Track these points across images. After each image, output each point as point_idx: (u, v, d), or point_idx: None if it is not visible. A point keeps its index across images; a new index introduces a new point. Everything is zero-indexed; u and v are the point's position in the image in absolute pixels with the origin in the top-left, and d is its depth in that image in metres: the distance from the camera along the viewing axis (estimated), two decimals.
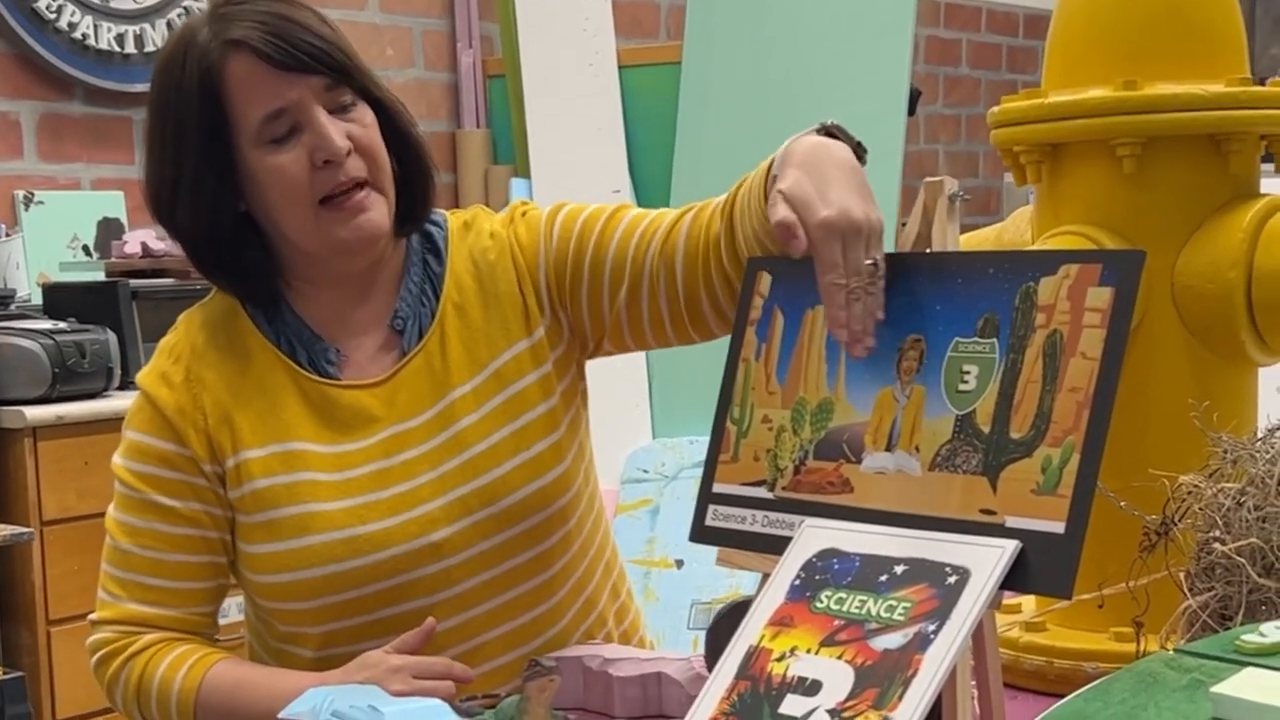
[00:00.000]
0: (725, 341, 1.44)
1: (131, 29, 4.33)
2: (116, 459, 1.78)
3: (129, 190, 4.26)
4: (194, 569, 1.76)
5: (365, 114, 1.72)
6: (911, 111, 4.39)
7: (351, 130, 1.70)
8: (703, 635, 1.43)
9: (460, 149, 5.03)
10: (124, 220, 4.26)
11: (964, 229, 1.46)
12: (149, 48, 4.35)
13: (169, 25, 4.37)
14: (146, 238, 3.92)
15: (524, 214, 1.84)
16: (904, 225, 1.42)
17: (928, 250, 1.37)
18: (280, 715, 1.52)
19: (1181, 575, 1.30)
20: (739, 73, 4.38)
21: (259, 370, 1.76)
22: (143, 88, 4.31)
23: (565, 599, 1.81)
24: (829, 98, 4.18)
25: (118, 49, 4.30)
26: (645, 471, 4.18)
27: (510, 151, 4.94)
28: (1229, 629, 1.22)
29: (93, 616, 1.78)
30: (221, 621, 1.83)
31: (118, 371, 3.58)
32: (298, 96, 1.67)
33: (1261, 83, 1.61)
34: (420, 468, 1.74)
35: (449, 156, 5.00)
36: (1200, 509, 1.29)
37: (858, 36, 4.25)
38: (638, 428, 4.31)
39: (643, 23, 5.73)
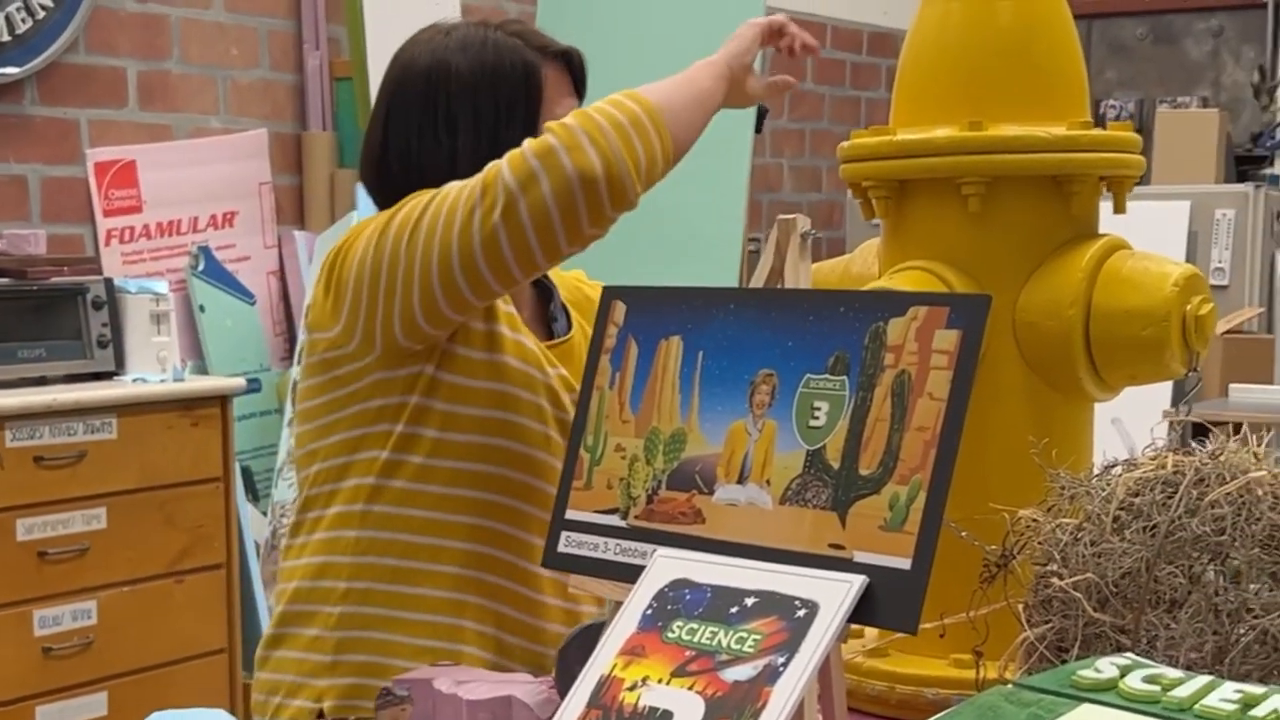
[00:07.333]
0: None
1: None
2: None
3: None
4: None
5: None
6: (759, 129, 4.43)
7: None
8: None
9: (306, 151, 4.98)
10: None
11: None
12: None
13: (8, 19, 4.28)
14: None
15: None
16: (753, 244, 1.46)
17: (780, 286, 1.40)
18: None
19: (1020, 607, 1.33)
20: (590, 83, 4.39)
21: None
22: None
23: None
24: None
25: None
26: None
27: (357, 155, 4.89)
28: (1065, 661, 1.26)
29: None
30: None
31: None
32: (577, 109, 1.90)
33: (1103, 125, 1.66)
34: None
35: (294, 159, 4.95)
36: (1039, 543, 1.33)
37: (707, 51, 4.27)
38: None
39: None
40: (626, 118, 1.72)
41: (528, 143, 1.72)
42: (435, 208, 1.76)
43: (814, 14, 6.88)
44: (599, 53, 4.41)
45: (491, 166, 1.73)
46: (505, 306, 1.90)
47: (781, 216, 1.37)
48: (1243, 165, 6.77)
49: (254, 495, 4.45)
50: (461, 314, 1.79)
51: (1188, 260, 5.39)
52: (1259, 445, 1.35)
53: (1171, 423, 1.45)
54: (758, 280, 1.40)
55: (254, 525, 4.30)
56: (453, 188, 1.77)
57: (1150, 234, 4.38)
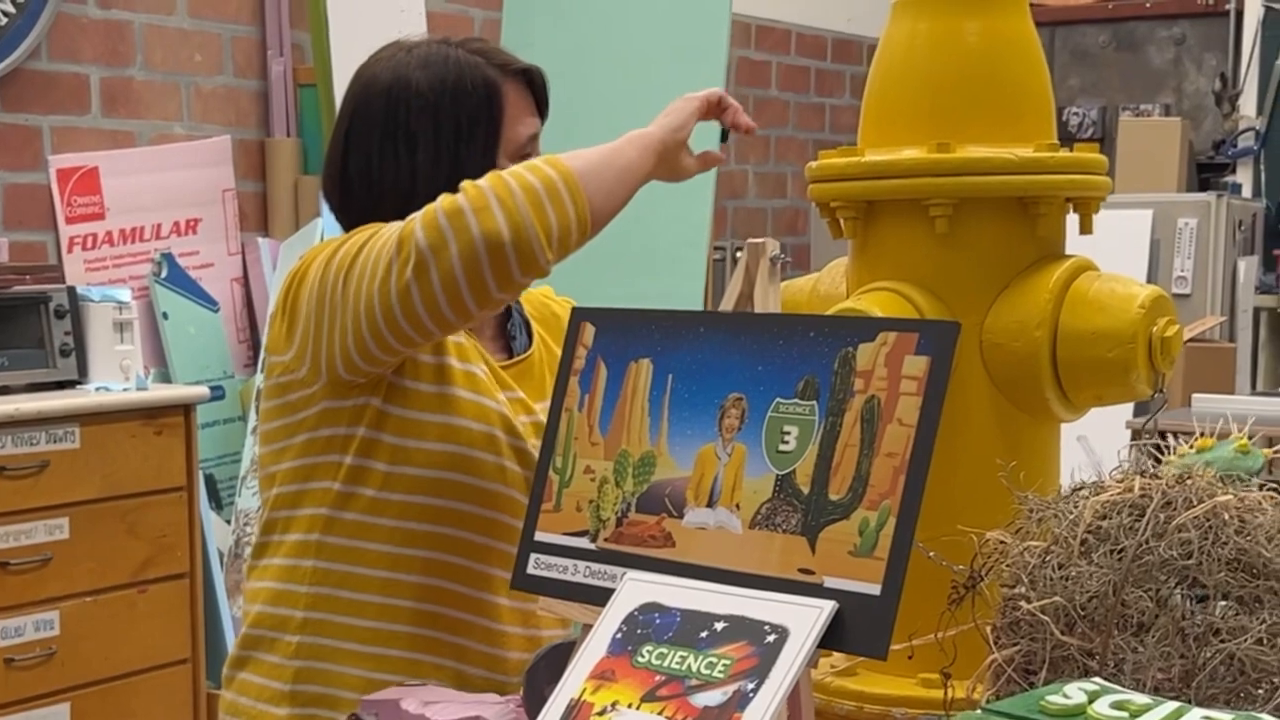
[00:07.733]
0: None
1: None
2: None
3: None
4: None
5: None
6: (724, 138, 4.43)
7: None
8: None
9: (270, 158, 4.97)
10: None
11: None
12: None
13: None
14: None
15: None
16: (718, 252, 1.46)
17: (750, 310, 1.40)
18: None
19: (988, 629, 1.34)
20: (555, 100, 4.39)
21: None
22: None
23: None
24: (645, 121, 4.21)
25: None
26: None
27: (320, 162, 4.87)
28: (1033, 684, 1.26)
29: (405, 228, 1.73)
30: None
31: None
32: (539, 128, 2.01)
33: (1068, 140, 1.67)
34: None
35: (258, 165, 4.94)
36: (1007, 566, 1.33)
37: (674, 59, 4.28)
38: None
39: (457, 35, 5.71)
40: (541, 183, 1.69)
41: (441, 200, 1.70)
42: (366, 253, 1.74)
43: (778, 20, 6.90)
44: (563, 59, 4.43)
45: (409, 221, 1.71)
46: (455, 337, 1.88)
47: (751, 240, 1.37)
48: (1205, 173, 6.82)
49: (217, 503, 4.43)
50: (394, 356, 1.79)
51: (1150, 269, 5.43)
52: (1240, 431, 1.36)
53: (1134, 445, 1.45)
54: (727, 304, 1.41)
55: (218, 534, 4.28)
56: (384, 232, 1.75)
57: (1113, 243, 4.40)
